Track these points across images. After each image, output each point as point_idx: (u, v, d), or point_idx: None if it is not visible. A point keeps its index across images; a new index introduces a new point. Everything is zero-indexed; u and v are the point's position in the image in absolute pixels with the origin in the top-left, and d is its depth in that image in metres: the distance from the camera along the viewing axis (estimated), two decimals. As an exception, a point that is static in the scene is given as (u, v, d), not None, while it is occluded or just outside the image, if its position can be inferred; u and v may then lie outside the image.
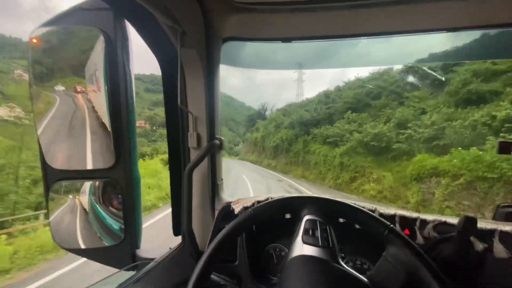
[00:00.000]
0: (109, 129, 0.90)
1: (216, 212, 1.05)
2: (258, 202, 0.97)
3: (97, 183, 0.97)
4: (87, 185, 1.00)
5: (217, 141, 1.06)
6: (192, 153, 1.05)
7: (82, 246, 1.00)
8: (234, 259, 0.97)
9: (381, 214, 0.88)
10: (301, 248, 0.58)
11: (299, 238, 0.60)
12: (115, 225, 1.00)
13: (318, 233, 0.60)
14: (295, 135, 25.23)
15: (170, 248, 1.04)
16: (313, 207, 0.66)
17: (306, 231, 0.61)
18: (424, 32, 1.00)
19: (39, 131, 0.94)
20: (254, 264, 0.99)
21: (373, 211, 0.88)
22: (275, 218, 0.97)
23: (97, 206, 1.01)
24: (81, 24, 0.90)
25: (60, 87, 0.92)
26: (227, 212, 1.02)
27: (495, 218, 1.06)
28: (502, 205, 1.18)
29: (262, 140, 34.18)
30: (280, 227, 1.04)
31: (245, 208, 0.96)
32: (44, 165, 0.93)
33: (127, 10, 0.84)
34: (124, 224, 0.97)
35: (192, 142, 1.02)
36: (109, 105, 0.89)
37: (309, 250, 0.56)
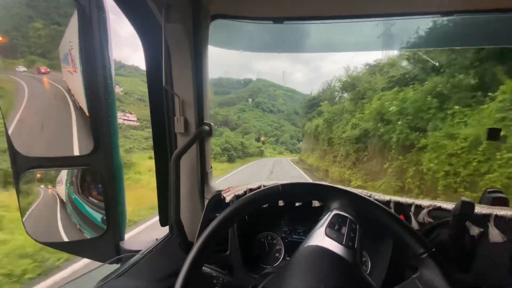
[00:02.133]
0: (87, 113, 0.82)
1: (206, 201, 1.00)
2: (251, 190, 0.92)
3: (75, 171, 0.89)
4: (63, 173, 0.92)
5: (206, 127, 1.00)
6: (179, 139, 0.98)
7: (61, 240, 0.92)
8: (226, 248, 0.94)
9: (376, 200, 0.86)
10: (322, 239, 0.53)
11: (322, 229, 0.55)
12: (96, 216, 0.93)
13: (345, 230, 0.54)
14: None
15: (156, 239, 0.99)
16: (347, 203, 0.61)
17: (331, 225, 0.56)
18: (421, 15, 0.97)
19: (4, 114, 0.85)
20: (246, 253, 0.96)
21: (369, 196, 0.86)
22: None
23: (76, 196, 0.93)
24: None
25: (21, 68, 0.82)
26: (218, 201, 0.97)
27: (481, 203, 1.07)
28: (489, 190, 1.20)
29: (327, 128, 18.35)
30: (271, 215, 1.01)
31: (237, 197, 0.92)
32: (13, 152, 0.83)
33: None
34: (106, 215, 0.90)
35: (179, 127, 0.96)
36: (85, 85, 0.81)
37: (330, 245, 0.52)
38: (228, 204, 0.92)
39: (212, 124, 1.04)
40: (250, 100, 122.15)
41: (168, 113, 0.97)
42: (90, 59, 0.80)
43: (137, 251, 0.90)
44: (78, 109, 0.83)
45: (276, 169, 19.50)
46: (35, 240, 0.87)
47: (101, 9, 0.81)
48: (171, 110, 0.96)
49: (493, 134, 1.13)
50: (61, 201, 0.94)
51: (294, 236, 0.99)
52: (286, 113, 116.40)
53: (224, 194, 0.95)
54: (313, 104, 35.69)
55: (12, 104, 0.87)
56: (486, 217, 0.74)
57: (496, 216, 0.73)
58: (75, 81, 0.84)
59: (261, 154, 49.28)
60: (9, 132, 0.84)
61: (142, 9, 0.82)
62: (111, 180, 0.88)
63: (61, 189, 0.93)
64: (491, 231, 0.72)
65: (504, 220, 0.72)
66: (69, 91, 0.85)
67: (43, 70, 0.83)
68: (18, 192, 0.84)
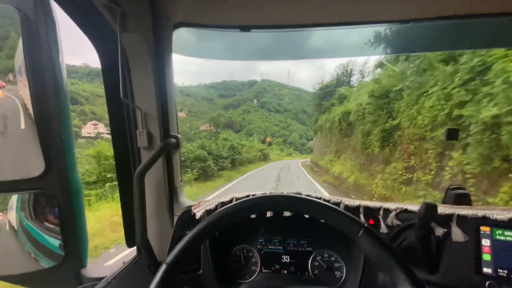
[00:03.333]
0: (37, 130, 0.75)
1: (176, 218, 0.95)
2: (222, 204, 0.89)
3: (26, 195, 0.81)
4: (14, 199, 0.83)
5: (172, 139, 0.96)
6: (143, 153, 0.93)
7: (15, 272, 0.83)
8: (198, 267, 0.90)
9: (346, 206, 0.86)
10: None
11: None
12: (53, 242, 0.85)
13: None
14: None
15: (123, 263, 0.92)
16: (280, 208, 0.60)
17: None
18: (387, 23, 0.99)
19: None
20: (220, 270, 0.92)
21: (339, 203, 0.87)
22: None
23: (29, 222, 0.85)
24: None
25: None
26: (188, 217, 0.93)
27: (445, 201, 1.13)
28: (452, 187, 1.25)
29: (377, 114, 9.52)
30: (244, 227, 0.98)
31: (208, 212, 0.88)
32: None
33: None
34: (63, 241, 0.83)
35: (142, 141, 0.90)
36: (33, 101, 0.74)
37: None
38: (199, 221, 0.89)
39: (179, 136, 1.00)
40: (255, 101, 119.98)
41: (129, 126, 0.91)
42: (36, 71, 0.73)
43: (101, 278, 0.84)
44: (30, 125, 0.76)
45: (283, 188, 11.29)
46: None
47: (48, 16, 0.75)
48: (132, 123, 0.91)
49: (452, 134, 1.19)
50: (13, 229, 0.85)
51: (270, 247, 0.97)
52: (293, 112, 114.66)
53: (194, 210, 0.91)
54: (326, 94, 29.72)
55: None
56: (450, 217, 0.76)
57: (458, 215, 0.76)
58: (27, 95, 0.77)
59: (264, 158, 39.99)
60: None
61: (95, 17, 0.77)
62: (68, 203, 0.81)
63: (12, 215, 0.84)
64: (454, 231, 0.74)
65: (466, 219, 0.75)
66: (24, 105, 0.78)
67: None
68: None
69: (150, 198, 0.94)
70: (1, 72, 0.85)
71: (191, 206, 0.95)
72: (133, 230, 0.94)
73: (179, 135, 1.00)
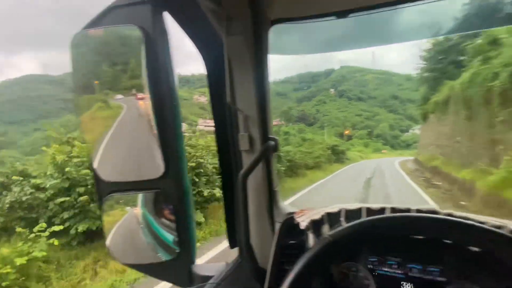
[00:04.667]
0: (157, 136, 0.82)
1: (277, 225, 0.91)
2: (329, 214, 0.80)
3: (148, 194, 0.91)
4: (139, 196, 0.95)
5: (272, 142, 0.92)
6: (245, 156, 0.93)
7: (140, 261, 0.96)
8: None
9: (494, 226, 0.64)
10: None
11: None
12: (169, 237, 0.93)
13: None
14: None
15: (226, 263, 0.95)
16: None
17: None
18: None
19: (88, 141, 0.90)
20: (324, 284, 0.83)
21: (499, 227, 0.65)
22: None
23: (150, 218, 0.96)
24: (118, 23, 0.82)
25: (118, 96, 0.85)
26: (290, 225, 0.88)
27: None
28: None
29: None
30: (351, 241, 0.86)
31: (314, 222, 0.80)
32: (96, 178, 0.89)
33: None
34: (178, 237, 0.90)
35: (244, 144, 0.90)
36: (154, 110, 0.81)
37: None
38: (302, 231, 0.82)
39: (277, 138, 0.96)
40: (332, 90, 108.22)
41: (232, 130, 0.92)
42: (155, 83, 0.80)
43: (207, 277, 0.87)
44: (150, 132, 0.83)
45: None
46: (118, 261, 0.92)
47: (164, 32, 0.81)
48: (235, 127, 0.92)
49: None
50: (139, 223, 0.97)
51: (384, 269, 0.82)
52: (381, 99, 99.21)
53: (298, 219, 0.84)
54: (447, 51, 19.27)
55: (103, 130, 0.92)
56: None
57: None
58: (147, 105, 0.84)
59: (339, 158, 26.27)
60: (94, 157, 0.90)
61: (203, 25, 0.79)
62: (181, 203, 0.87)
63: (138, 211, 0.96)
64: None
65: None
66: (145, 114, 0.86)
67: (139, 96, 0.86)
68: (102, 216, 0.90)
69: (251, 201, 0.93)
70: (126, 89, 0.96)
71: (292, 213, 0.89)
72: (235, 232, 0.95)
73: (277, 138, 0.96)
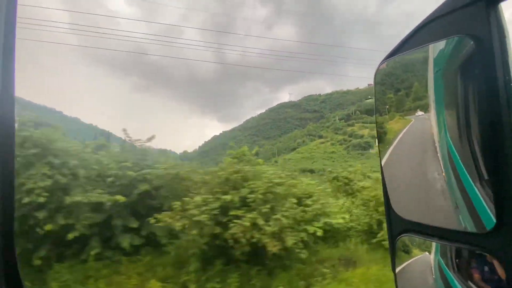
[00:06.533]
0: (485, 174, 0.63)
1: None
2: None
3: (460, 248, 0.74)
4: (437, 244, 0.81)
5: None
6: None
7: None
8: None
9: None
10: None
11: None
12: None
13: None
14: None
15: None
16: None
17: None
18: None
19: (383, 164, 0.88)
20: None
21: None
22: None
23: (448, 271, 0.78)
24: (435, 40, 0.73)
25: (419, 112, 0.79)
26: None
27: None
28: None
29: None
30: None
31: None
32: (389, 210, 0.86)
33: None
34: None
35: None
36: (485, 140, 0.63)
37: None
38: None
39: None
40: None
41: None
42: (490, 103, 0.61)
43: None
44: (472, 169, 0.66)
45: None
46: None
47: (503, 42, 0.62)
48: None
49: None
50: (430, 269, 0.83)
51: None
52: None
53: None
54: None
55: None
56: None
57: None
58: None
59: None
60: (387, 184, 0.87)
61: None
62: None
63: (432, 257, 0.82)
64: None
65: None
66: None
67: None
68: (392, 254, 0.85)
69: None
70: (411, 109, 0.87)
71: None
72: None
73: None
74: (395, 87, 0.92)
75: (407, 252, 0.86)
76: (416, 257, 0.84)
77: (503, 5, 0.64)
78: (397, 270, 0.86)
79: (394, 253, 0.85)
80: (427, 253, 0.84)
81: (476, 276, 0.71)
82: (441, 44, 0.71)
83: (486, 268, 0.67)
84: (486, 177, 0.63)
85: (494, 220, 0.62)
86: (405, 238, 0.83)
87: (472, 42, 0.63)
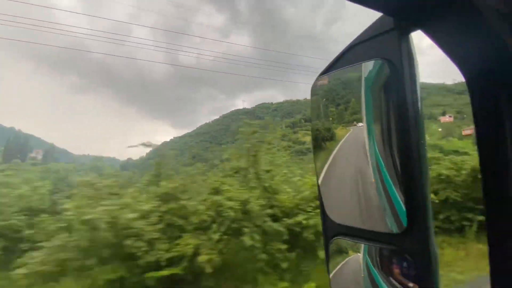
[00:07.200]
0: (398, 182, 0.72)
1: None
2: None
3: (380, 247, 0.81)
4: (365, 245, 0.88)
5: None
6: None
7: None
8: None
9: None
10: None
11: None
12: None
13: None
14: None
15: None
16: None
17: None
18: None
19: (320, 173, 0.92)
20: None
21: None
22: None
23: (373, 269, 0.85)
24: (357, 61, 0.81)
25: (359, 124, 0.83)
26: None
27: None
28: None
29: None
30: None
31: None
32: (323, 215, 0.91)
33: (426, 13, 0.64)
34: None
35: None
36: (398, 151, 0.71)
37: None
38: None
39: None
40: None
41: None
42: (400, 117, 0.70)
43: None
44: (391, 177, 0.74)
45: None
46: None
47: (411, 57, 0.72)
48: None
49: None
50: (358, 267, 0.90)
51: None
52: None
53: None
54: None
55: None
56: None
57: None
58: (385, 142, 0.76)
59: None
60: (321, 191, 0.92)
61: (473, 30, 0.63)
62: (425, 271, 0.70)
63: (360, 256, 0.89)
64: None
65: None
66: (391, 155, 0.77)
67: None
68: (327, 256, 0.90)
69: None
70: (348, 122, 0.94)
71: None
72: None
73: None
74: (335, 101, 0.98)
75: (340, 254, 0.91)
76: (348, 259, 0.90)
77: (413, 35, 0.74)
78: (332, 274, 0.90)
79: (329, 257, 0.90)
80: (358, 254, 0.90)
81: (396, 271, 0.80)
82: (369, 64, 0.79)
83: (404, 264, 0.75)
84: (400, 183, 0.72)
85: (407, 221, 0.70)
86: (339, 240, 0.88)
87: (387, 65, 0.71)
